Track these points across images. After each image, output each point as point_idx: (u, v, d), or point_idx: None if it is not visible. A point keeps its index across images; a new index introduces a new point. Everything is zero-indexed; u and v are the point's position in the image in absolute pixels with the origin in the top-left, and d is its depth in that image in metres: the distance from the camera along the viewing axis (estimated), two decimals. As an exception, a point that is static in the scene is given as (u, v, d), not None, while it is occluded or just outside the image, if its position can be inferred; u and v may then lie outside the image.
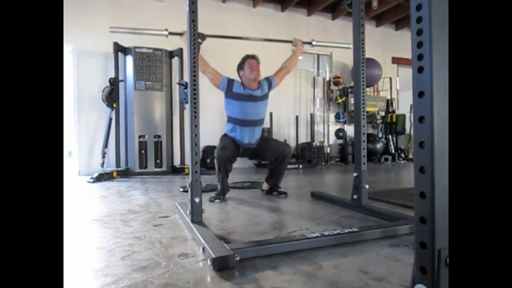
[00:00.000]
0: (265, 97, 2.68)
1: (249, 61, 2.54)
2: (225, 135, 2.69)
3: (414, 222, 0.70)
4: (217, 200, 2.56)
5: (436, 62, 0.66)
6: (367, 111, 4.66)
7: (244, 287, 1.07)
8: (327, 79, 6.47)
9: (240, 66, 2.62)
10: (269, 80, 2.72)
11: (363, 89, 2.17)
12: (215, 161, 2.55)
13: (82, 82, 4.79)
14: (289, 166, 5.40)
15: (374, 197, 2.57)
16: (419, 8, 0.68)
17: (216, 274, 1.17)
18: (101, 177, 3.94)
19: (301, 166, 5.51)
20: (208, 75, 2.56)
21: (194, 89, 1.76)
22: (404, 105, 7.01)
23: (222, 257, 1.21)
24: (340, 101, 6.39)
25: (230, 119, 2.65)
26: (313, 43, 2.74)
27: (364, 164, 2.16)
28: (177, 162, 5.08)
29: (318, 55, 6.58)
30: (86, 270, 1.24)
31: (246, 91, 2.59)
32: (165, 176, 4.52)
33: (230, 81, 2.58)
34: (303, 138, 6.26)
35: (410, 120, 5.90)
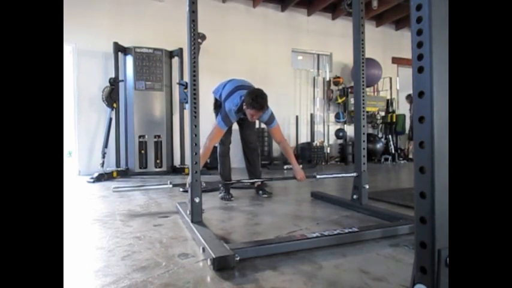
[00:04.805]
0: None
1: (251, 112, 2.42)
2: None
3: (414, 222, 0.70)
4: (233, 198, 2.67)
5: (436, 62, 0.66)
6: (367, 111, 4.67)
7: (244, 287, 1.07)
8: (327, 79, 6.47)
9: (248, 103, 2.42)
10: (265, 122, 2.65)
11: (363, 89, 2.16)
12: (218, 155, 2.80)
13: (82, 82, 4.79)
14: (289, 166, 5.42)
15: (374, 197, 2.57)
16: (419, 8, 0.68)
17: (216, 274, 1.17)
18: (101, 177, 3.94)
19: (301, 166, 5.47)
20: (218, 140, 2.60)
21: (194, 89, 1.75)
22: (404, 105, 7.02)
23: (222, 257, 1.21)
24: (340, 101, 6.39)
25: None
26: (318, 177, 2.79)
27: (364, 164, 2.16)
28: (177, 162, 5.09)
29: (318, 55, 6.59)
30: (86, 270, 1.24)
31: (242, 117, 2.64)
32: (165, 176, 4.52)
33: (229, 123, 2.55)
34: (303, 138, 6.26)
35: (411, 120, 5.91)
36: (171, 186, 2.14)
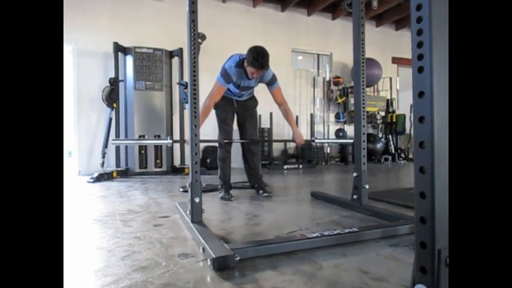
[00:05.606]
0: (255, 85, 2.70)
1: (252, 70, 2.41)
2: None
3: (414, 222, 0.70)
4: (232, 198, 2.64)
5: (436, 62, 0.66)
6: (367, 111, 4.67)
7: (244, 287, 1.07)
8: (327, 79, 6.47)
9: (249, 61, 2.41)
10: (267, 82, 2.63)
11: (363, 89, 2.16)
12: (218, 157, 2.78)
13: (82, 82, 4.79)
14: (289, 166, 5.44)
15: (374, 197, 2.57)
16: (419, 8, 0.68)
17: (216, 274, 1.17)
18: (101, 177, 3.94)
19: (301, 166, 5.51)
20: (218, 97, 2.55)
21: (194, 89, 1.75)
22: (404, 105, 7.01)
23: (222, 257, 1.21)
24: (340, 101, 6.39)
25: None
26: (316, 141, 2.82)
27: (364, 164, 2.16)
28: (177, 162, 5.09)
29: (318, 55, 6.59)
30: (86, 270, 1.24)
31: (243, 82, 2.59)
32: (165, 176, 4.52)
33: (229, 79, 2.51)
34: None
35: (410, 120, 5.90)
36: (170, 142, 2.14)
